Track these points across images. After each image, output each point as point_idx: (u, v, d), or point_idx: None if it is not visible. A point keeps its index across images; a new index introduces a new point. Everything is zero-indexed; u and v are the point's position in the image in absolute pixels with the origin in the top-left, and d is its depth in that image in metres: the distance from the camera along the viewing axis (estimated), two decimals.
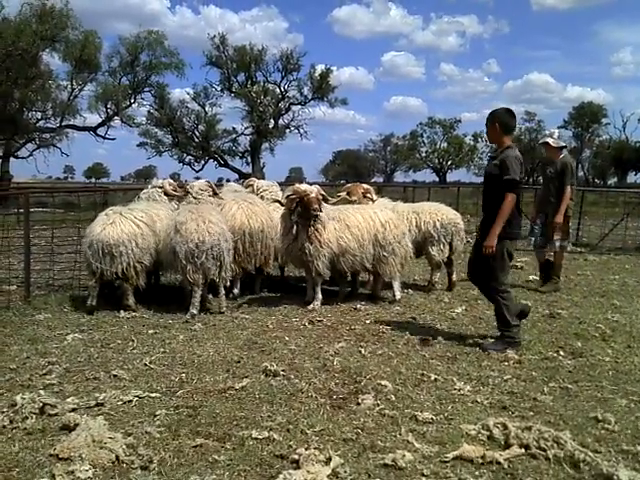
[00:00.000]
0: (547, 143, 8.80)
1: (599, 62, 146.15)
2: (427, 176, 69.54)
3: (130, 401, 4.25)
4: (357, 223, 7.33)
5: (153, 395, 4.38)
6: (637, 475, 3.11)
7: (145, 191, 8.37)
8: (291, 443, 3.58)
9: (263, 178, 34.99)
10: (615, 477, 3.08)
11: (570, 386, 4.63)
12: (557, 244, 8.64)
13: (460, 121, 66.52)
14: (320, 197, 7.26)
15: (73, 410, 4.03)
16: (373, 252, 7.36)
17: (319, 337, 6.03)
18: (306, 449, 3.43)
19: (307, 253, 7.11)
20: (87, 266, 7.00)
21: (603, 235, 14.19)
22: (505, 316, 5.59)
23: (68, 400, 4.21)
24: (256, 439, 3.64)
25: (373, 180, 67.42)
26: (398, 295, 7.69)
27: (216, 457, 3.42)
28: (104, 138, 38.06)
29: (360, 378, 4.74)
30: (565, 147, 8.95)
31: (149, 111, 40.37)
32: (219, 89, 42.83)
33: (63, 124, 35.10)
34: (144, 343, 5.78)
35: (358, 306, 7.30)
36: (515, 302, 5.94)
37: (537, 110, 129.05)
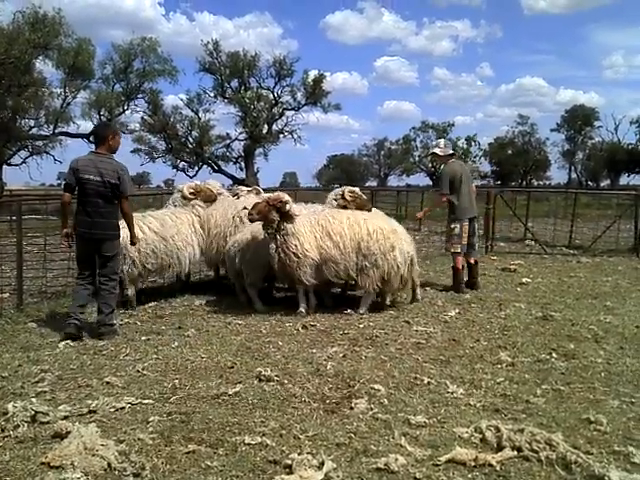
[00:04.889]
0: (435, 153, 9.33)
1: (591, 65, 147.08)
2: (421, 180, 69.72)
3: (123, 408, 4.25)
4: (340, 230, 7.06)
5: (146, 402, 4.37)
6: (628, 476, 3.12)
7: (172, 197, 8.78)
8: (284, 448, 3.58)
9: (257, 183, 35.07)
10: (606, 478, 3.09)
11: (562, 388, 4.64)
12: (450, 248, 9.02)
13: (453, 125, 66.71)
14: (278, 205, 6.92)
15: (65, 418, 4.02)
16: (356, 261, 7.03)
17: (312, 342, 6.03)
18: (299, 454, 3.43)
19: (284, 264, 6.96)
20: None
21: (596, 237, 14.22)
22: None
23: (60, 408, 4.19)
24: (249, 444, 3.63)
25: (367, 184, 67.58)
26: (362, 310, 7.22)
27: (209, 463, 3.41)
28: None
29: (353, 382, 4.74)
30: (453, 154, 9.29)
31: (142, 117, 40.45)
32: (212, 95, 42.89)
33: (56, 131, 35.07)
34: (137, 350, 5.77)
35: (351, 310, 7.29)
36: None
37: (530, 113, 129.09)
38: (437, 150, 9.27)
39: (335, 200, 8.27)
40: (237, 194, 9.25)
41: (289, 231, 6.94)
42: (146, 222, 7.61)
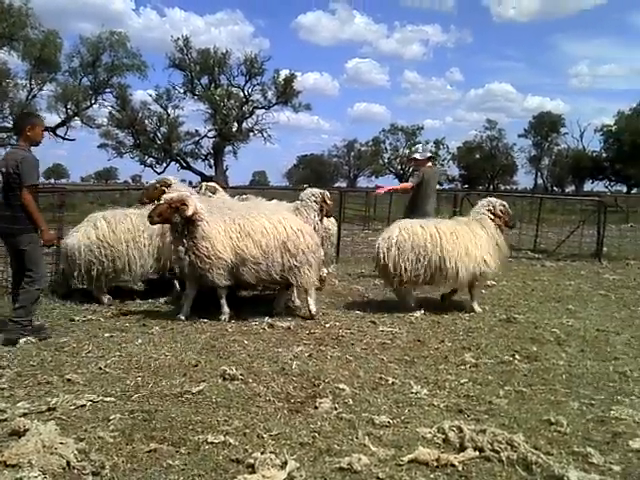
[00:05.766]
0: (415, 158, 9.97)
1: (558, 74, 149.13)
2: (389, 181, 69.98)
3: (83, 405, 4.17)
4: (261, 229, 6.79)
5: (107, 399, 4.30)
6: (586, 476, 3.17)
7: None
8: (247, 447, 3.56)
9: (226, 182, 34.84)
10: (565, 478, 3.14)
11: (525, 389, 4.70)
12: None
13: (422, 128, 67.41)
14: (179, 205, 6.56)
15: (23, 415, 3.92)
16: (281, 261, 6.82)
17: (278, 341, 6.00)
18: (262, 453, 3.41)
19: (195, 267, 6.62)
20: None
21: (560, 242, 14.46)
22: None
23: (19, 405, 4.12)
24: (212, 443, 3.60)
25: (336, 185, 67.68)
26: (314, 309, 7.02)
27: (170, 462, 3.37)
28: (64, 139, 37.54)
29: (318, 382, 4.74)
30: (431, 158, 10.00)
31: (110, 112, 40.03)
32: (182, 91, 42.69)
33: None
34: (100, 347, 5.67)
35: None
36: None
37: (498, 119, 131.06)
38: (417, 155, 9.95)
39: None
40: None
41: (198, 234, 6.58)
42: None
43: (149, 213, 6.71)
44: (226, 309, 6.87)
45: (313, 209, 7.72)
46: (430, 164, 9.70)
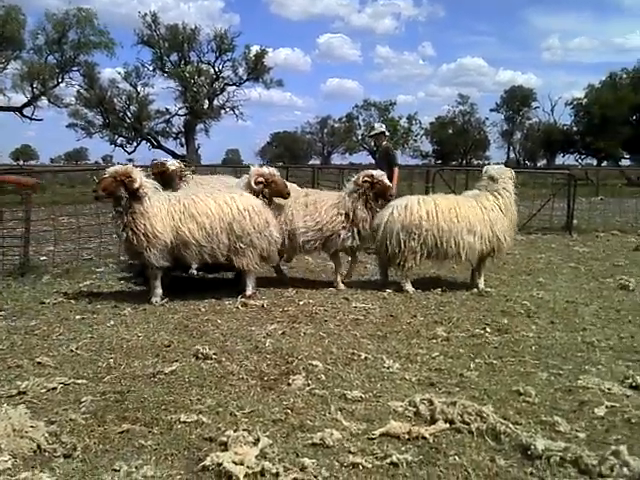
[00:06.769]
0: (383, 132, 10.47)
1: (529, 47, 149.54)
2: (363, 158, 69.79)
3: (54, 388, 4.15)
4: (206, 210, 6.59)
5: (79, 382, 4.28)
6: (552, 444, 3.23)
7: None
8: (220, 425, 3.57)
9: (198, 160, 34.45)
10: (532, 446, 3.20)
11: (495, 361, 4.77)
12: None
13: (395, 103, 67.00)
14: (126, 181, 6.36)
15: None
16: (228, 243, 6.65)
17: (252, 319, 6.01)
18: (235, 431, 3.42)
19: (132, 244, 6.43)
20: None
21: (531, 215, 14.60)
22: None
23: None
24: (184, 422, 3.61)
25: (310, 162, 67.47)
26: (249, 291, 6.88)
27: (143, 442, 3.37)
28: (31, 119, 36.78)
29: (292, 359, 4.76)
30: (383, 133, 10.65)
31: (78, 91, 39.43)
32: (151, 69, 42.07)
33: None
34: (71, 329, 5.63)
35: (291, 289, 7.29)
36: None
37: (470, 93, 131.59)
38: (383, 129, 10.44)
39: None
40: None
41: (137, 210, 6.36)
42: None
43: (94, 187, 6.53)
44: (159, 291, 6.67)
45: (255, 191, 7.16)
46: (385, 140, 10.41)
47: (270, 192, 7.21)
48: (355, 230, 7.23)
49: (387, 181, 7.26)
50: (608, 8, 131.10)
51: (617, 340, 5.37)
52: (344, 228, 7.22)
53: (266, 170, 7.31)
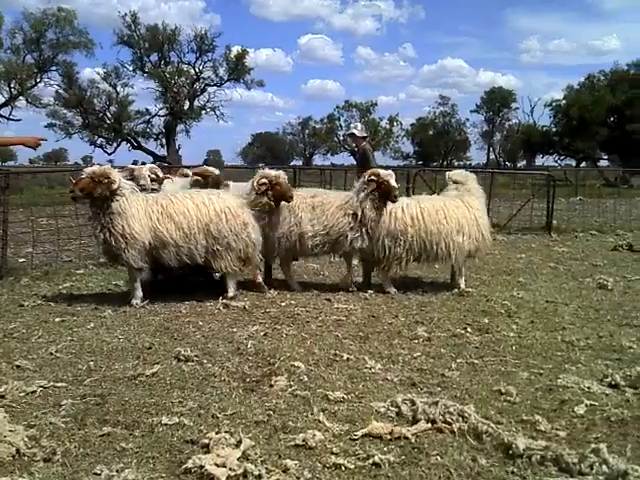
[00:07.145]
0: (353, 134, 10.31)
1: (509, 49, 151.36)
2: (345, 159, 69.85)
3: (34, 392, 4.10)
4: (184, 210, 6.55)
5: (59, 385, 4.23)
6: (533, 442, 3.26)
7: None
8: (202, 428, 3.55)
9: (179, 161, 34.27)
10: (514, 445, 3.22)
11: (476, 361, 4.80)
12: None
13: (376, 104, 67.04)
14: (103, 179, 6.25)
15: None
16: (205, 244, 6.59)
17: (233, 321, 5.99)
18: (217, 433, 3.40)
19: (110, 246, 6.34)
20: None
21: (511, 216, 14.72)
22: None
23: None
24: (166, 425, 3.58)
25: (292, 163, 67.36)
26: (231, 293, 6.84)
27: (124, 445, 3.34)
28: (8, 119, 36.40)
29: (274, 360, 4.74)
30: (366, 137, 10.63)
31: (57, 91, 38.96)
32: (131, 69, 41.69)
33: None
34: (50, 332, 5.57)
35: (272, 290, 7.28)
36: None
37: (451, 94, 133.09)
38: (355, 131, 10.25)
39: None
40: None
41: (115, 210, 6.28)
42: None
43: (71, 187, 6.38)
44: (139, 293, 6.60)
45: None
46: (365, 143, 10.32)
47: (274, 194, 7.09)
48: (364, 230, 7.13)
49: (393, 182, 7.12)
50: (587, 11, 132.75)
51: (596, 339, 5.42)
52: (352, 229, 7.12)
53: (272, 172, 7.23)
